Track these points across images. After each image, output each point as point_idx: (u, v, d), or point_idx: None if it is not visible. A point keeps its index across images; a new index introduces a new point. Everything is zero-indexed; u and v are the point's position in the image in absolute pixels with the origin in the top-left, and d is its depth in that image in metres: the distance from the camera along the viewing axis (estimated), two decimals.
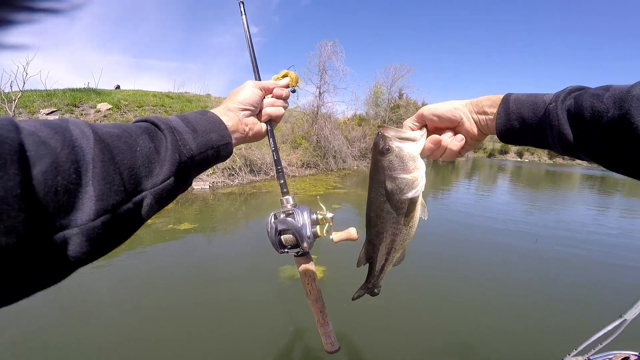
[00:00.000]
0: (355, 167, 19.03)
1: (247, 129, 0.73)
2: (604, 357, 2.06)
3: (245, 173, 11.61)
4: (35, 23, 0.26)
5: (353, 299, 0.81)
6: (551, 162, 52.62)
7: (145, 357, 3.03)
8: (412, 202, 0.65)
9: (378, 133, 0.66)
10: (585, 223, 9.60)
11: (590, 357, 1.93)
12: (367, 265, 0.76)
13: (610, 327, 1.67)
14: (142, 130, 0.49)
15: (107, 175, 0.38)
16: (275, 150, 0.84)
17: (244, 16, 0.85)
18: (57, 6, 0.27)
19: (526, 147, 55.85)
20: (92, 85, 12.75)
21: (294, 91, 0.84)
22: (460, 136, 0.68)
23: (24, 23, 0.25)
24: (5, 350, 3.05)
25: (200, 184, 10.27)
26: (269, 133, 0.80)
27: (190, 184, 0.58)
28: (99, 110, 10.65)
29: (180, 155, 0.52)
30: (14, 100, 7.66)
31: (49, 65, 12.19)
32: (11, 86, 8.00)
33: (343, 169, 17.68)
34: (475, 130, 0.67)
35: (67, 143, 0.35)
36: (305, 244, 0.73)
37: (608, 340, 1.71)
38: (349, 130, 21.45)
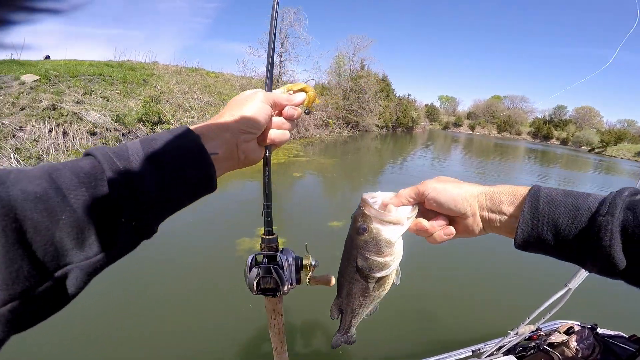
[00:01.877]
0: (318, 136, 19.00)
1: (242, 156, 0.55)
2: (552, 326, 2.21)
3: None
4: (35, 23, 0.26)
5: (332, 347, 0.75)
6: (499, 135, 57.22)
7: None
8: (383, 277, 0.61)
9: (359, 206, 0.58)
10: None
11: (540, 326, 1.98)
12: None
13: (556, 296, 1.71)
14: (79, 180, 0.36)
15: (13, 262, 0.30)
16: (269, 183, 0.65)
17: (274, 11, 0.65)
18: (56, 6, 0.26)
19: (477, 121, 59.95)
20: (17, 57, 11.16)
21: (308, 113, 0.66)
22: (451, 230, 0.56)
23: (23, 23, 0.25)
24: None
25: None
26: (266, 161, 0.62)
27: (153, 232, 0.44)
28: (24, 82, 9.38)
29: (134, 209, 0.40)
30: None
31: None
32: None
33: (305, 137, 17.61)
34: (477, 229, 0.55)
35: None
36: (285, 289, 0.67)
37: (556, 309, 1.76)
38: None
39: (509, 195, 0.51)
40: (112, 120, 9.81)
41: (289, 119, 0.61)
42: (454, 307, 3.74)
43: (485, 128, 59.37)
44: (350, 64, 26.96)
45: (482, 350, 2.07)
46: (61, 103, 9.38)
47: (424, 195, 0.56)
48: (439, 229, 0.56)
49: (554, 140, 56.23)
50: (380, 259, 0.57)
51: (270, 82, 0.65)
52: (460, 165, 17.07)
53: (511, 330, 1.91)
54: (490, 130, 59.06)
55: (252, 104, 0.54)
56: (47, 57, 12.58)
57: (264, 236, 0.68)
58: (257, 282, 0.66)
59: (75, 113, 9.38)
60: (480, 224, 0.54)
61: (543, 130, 57.47)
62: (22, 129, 8.29)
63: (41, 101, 9.01)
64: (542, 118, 61.97)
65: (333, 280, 0.73)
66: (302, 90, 0.64)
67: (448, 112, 70.65)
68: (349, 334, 0.72)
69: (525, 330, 1.90)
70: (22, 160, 7.77)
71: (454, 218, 0.56)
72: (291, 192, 8.21)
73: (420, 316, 3.47)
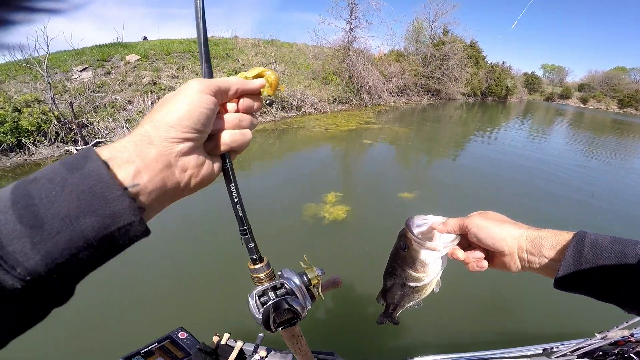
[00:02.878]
0: (392, 103, 17.84)
1: (184, 178, 0.39)
2: None
3: (277, 110, 11.36)
4: (36, 23, 0.25)
5: (377, 323, 0.82)
6: (620, 111, 45.58)
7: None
8: (419, 286, 0.66)
9: (404, 228, 0.64)
10: None
11: (634, 332, 1.81)
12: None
13: None
14: None
15: None
16: (240, 203, 0.52)
17: None
18: (57, 6, 0.26)
19: (592, 94, 49.66)
20: (123, 40, 12.91)
21: (270, 104, 0.50)
22: (484, 264, 0.58)
23: (24, 23, 0.25)
24: None
25: None
26: (229, 174, 0.49)
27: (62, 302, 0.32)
28: (128, 62, 10.79)
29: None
30: (44, 63, 7.94)
31: (73, 26, 12.28)
32: (37, 50, 8.28)
33: (378, 104, 16.69)
34: (514, 267, 0.56)
35: None
36: (304, 314, 0.63)
37: None
38: (385, 66, 19.88)
39: (551, 240, 0.52)
40: None
41: (247, 111, 0.46)
42: (534, 301, 3.16)
43: (602, 102, 48.30)
44: (430, 30, 24.28)
45: (555, 350, 1.85)
46: (159, 79, 10.55)
47: (466, 229, 0.58)
48: (473, 260, 0.59)
49: None
50: (415, 274, 0.63)
51: (208, 68, 0.46)
52: (563, 139, 14.06)
53: (599, 332, 1.71)
54: (609, 104, 47.80)
55: (182, 97, 0.38)
56: (145, 38, 14.22)
57: (252, 266, 0.60)
58: (273, 320, 0.59)
59: (171, 87, 10.46)
60: (518, 264, 0.55)
61: None
62: (130, 103, 9.61)
63: (144, 78, 10.29)
64: None
65: (341, 282, 0.73)
66: (260, 76, 0.48)
67: (553, 82, 60.51)
68: (392, 317, 0.78)
69: (616, 334, 1.72)
70: (132, 129, 9.07)
71: (492, 252, 0.58)
72: (360, 160, 7.81)
73: (495, 307, 3.09)
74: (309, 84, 14.33)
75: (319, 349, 1.35)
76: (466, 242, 0.61)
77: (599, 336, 1.72)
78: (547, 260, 0.51)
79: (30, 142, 7.42)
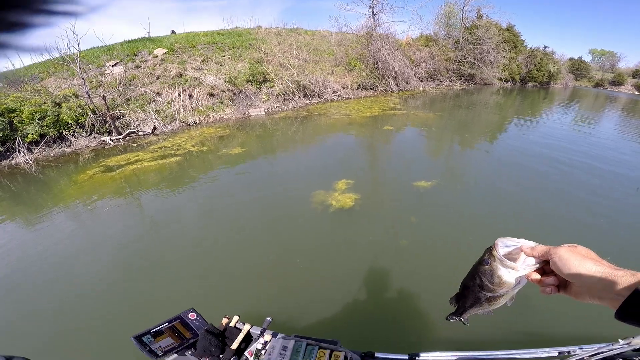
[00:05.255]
0: (422, 89, 17.08)
1: None
2: None
3: (299, 97, 11.29)
4: (52, 26, 0.27)
5: (446, 319, 0.86)
6: None
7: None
8: (493, 297, 0.72)
9: (491, 246, 0.70)
10: None
11: None
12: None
13: None
14: None
15: None
16: None
17: None
18: (74, 9, 0.27)
19: None
20: (151, 34, 13.39)
21: None
22: (553, 289, 0.65)
23: (41, 26, 0.26)
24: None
25: (257, 110, 10.51)
26: None
27: None
28: (156, 56, 11.17)
29: None
30: (77, 60, 8.41)
31: (104, 23, 12.96)
32: (69, 48, 8.79)
33: (406, 90, 16.08)
34: (585, 298, 0.61)
35: None
36: None
37: None
38: (414, 51, 19.03)
39: (624, 279, 0.55)
40: (225, 82, 10.87)
41: None
42: (552, 302, 2.77)
43: None
44: (462, 13, 22.85)
45: (572, 354, 1.64)
46: (185, 70, 10.83)
47: (548, 256, 0.64)
48: (547, 285, 0.65)
49: None
50: (491, 286, 0.70)
51: None
52: (612, 126, 12.45)
53: (623, 338, 1.45)
54: None
55: None
56: (173, 32, 14.65)
57: None
58: None
59: (196, 78, 10.71)
60: (587, 295, 0.61)
61: None
62: (159, 94, 9.97)
63: (171, 70, 10.61)
64: None
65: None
66: None
67: (603, 68, 55.13)
68: (462, 317, 0.84)
69: None
70: (161, 120, 9.44)
71: (568, 282, 0.64)
72: (378, 147, 7.50)
73: (510, 306, 2.74)
74: (331, 71, 14.07)
75: (323, 337, 1.35)
76: (549, 268, 0.65)
77: (622, 342, 1.53)
78: (615, 296, 0.55)
79: (70, 134, 7.96)
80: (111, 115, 8.51)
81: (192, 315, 1.39)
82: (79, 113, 8.10)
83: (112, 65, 10.54)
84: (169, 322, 1.32)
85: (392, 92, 15.20)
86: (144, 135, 8.76)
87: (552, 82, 31.86)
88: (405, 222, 3.88)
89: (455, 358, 1.63)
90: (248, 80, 11.03)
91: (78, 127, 8.12)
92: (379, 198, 4.56)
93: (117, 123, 8.65)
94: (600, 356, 1.56)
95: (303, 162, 6.24)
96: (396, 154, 7.07)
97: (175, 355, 1.25)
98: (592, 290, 0.59)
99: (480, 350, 1.63)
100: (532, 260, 0.66)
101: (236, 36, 13.84)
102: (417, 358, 1.56)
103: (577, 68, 45.72)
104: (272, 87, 11.43)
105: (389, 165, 6.30)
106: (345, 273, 3.02)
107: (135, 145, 7.82)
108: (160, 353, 1.19)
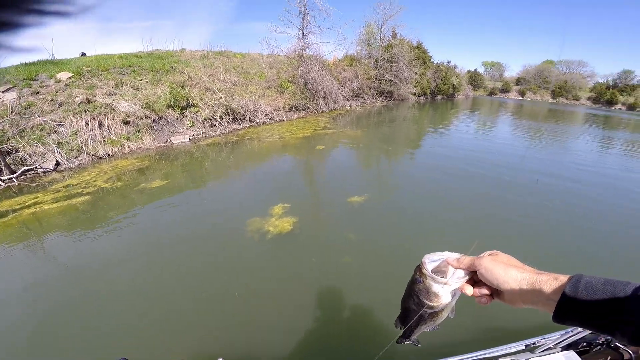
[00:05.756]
0: (348, 108, 18.11)
1: None
2: None
3: (227, 122, 10.95)
4: (44, 26, 0.26)
5: (397, 343, 0.88)
6: (554, 101, 51.28)
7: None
8: (434, 312, 0.74)
9: (419, 264, 0.72)
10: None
11: None
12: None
13: None
14: None
15: None
16: None
17: None
18: (65, 9, 0.27)
19: (528, 87, 54.88)
20: (57, 57, 11.84)
21: None
22: (487, 299, 0.68)
23: (32, 26, 0.25)
24: None
25: (180, 137, 9.81)
26: None
27: None
28: (59, 80, 9.86)
29: None
30: None
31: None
32: None
33: (335, 109, 16.87)
34: (519, 304, 0.64)
35: None
36: None
37: None
38: (340, 71, 20.18)
39: (549, 283, 0.59)
40: (143, 108, 10.02)
41: None
42: None
43: (538, 93, 53.80)
44: (379, 33, 25.24)
45: (538, 345, 1.80)
46: (94, 96, 9.72)
47: (475, 268, 0.67)
48: (479, 295, 0.68)
49: (619, 106, 48.32)
50: (430, 303, 0.72)
51: None
52: (508, 128, 15.22)
53: None
54: (543, 95, 53.44)
55: None
56: (83, 54, 13.19)
57: None
58: None
59: (108, 105, 9.67)
60: (518, 301, 0.64)
61: (606, 95, 49.76)
62: (61, 124, 8.73)
63: (77, 96, 9.42)
64: (604, 83, 53.99)
65: None
66: None
67: (494, 78, 65.69)
68: (411, 339, 0.86)
69: None
70: (65, 153, 8.24)
71: (498, 290, 0.67)
72: (312, 168, 7.70)
73: (473, 308, 2.99)
74: (263, 94, 14.06)
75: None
76: (477, 277, 0.68)
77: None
78: (546, 301, 0.59)
79: None
80: (0, 150, 7.18)
81: None
82: None
83: (3, 92, 8.98)
84: None
85: (322, 112, 15.77)
86: (44, 172, 7.57)
87: (456, 94, 36.70)
88: (345, 238, 4.00)
89: None
90: (169, 106, 10.32)
91: None
92: (317, 218, 4.63)
93: (8, 159, 7.32)
94: (564, 343, 1.74)
95: (235, 190, 6.03)
96: (330, 172, 7.32)
97: None
98: (523, 297, 0.62)
99: (450, 355, 1.68)
100: (462, 273, 0.68)
101: (156, 59, 12.99)
102: None
103: (474, 79, 53.18)
104: (197, 112, 10.86)
105: (324, 184, 6.48)
106: (293, 298, 2.98)
107: (34, 185, 6.70)
108: None
